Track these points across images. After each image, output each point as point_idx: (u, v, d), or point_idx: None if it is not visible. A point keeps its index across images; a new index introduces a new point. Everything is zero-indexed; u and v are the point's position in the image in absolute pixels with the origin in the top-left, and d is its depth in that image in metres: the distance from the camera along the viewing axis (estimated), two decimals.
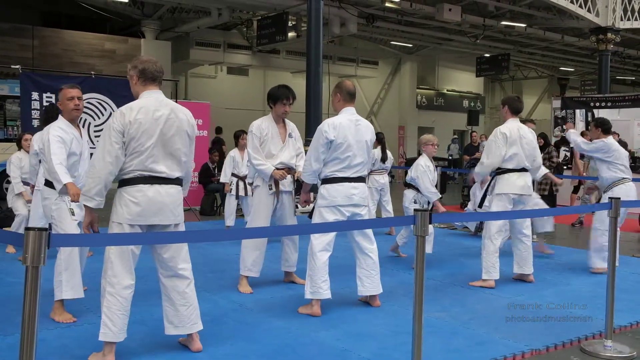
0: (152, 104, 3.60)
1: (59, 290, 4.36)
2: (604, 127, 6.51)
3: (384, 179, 8.82)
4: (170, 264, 3.69)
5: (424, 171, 6.51)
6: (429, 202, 6.62)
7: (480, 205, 5.97)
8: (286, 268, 5.72)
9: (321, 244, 4.70)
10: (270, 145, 5.35)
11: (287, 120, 5.53)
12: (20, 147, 7.29)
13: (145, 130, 3.53)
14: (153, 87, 3.68)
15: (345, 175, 4.72)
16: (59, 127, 4.43)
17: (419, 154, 6.95)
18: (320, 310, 4.68)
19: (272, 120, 5.43)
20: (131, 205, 3.53)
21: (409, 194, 6.76)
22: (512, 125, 5.79)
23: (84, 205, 3.56)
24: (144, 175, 3.55)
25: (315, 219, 4.79)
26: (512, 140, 5.72)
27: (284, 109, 5.36)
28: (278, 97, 5.34)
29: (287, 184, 5.44)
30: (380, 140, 8.63)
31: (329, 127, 4.67)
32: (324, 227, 4.46)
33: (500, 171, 5.82)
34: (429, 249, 6.63)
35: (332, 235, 4.79)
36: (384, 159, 8.76)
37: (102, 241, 3.19)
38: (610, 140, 6.47)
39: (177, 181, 3.71)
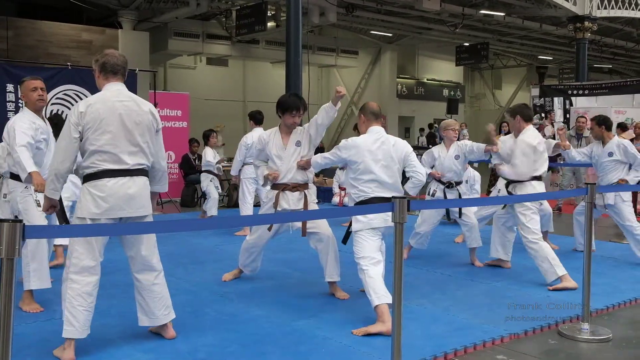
0: (111, 96, 3.58)
1: (27, 281, 4.36)
2: (607, 125, 6.63)
3: None
4: (138, 257, 3.68)
5: (425, 156, 6.36)
6: (444, 193, 6.22)
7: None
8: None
9: (370, 256, 4.30)
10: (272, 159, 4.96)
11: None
12: None
13: (104, 120, 3.49)
14: (115, 80, 3.67)
15: (376, 195, 4.41)
16: (24, 117, 4.43)
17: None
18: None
19: (278, 132, 4.96)
20: (98, 200, 3.48)
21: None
22: (536, 134, 5.57)
23: (44, 196, 3.56)
24: (107, 168, 3.50)
25: (358, 243, 4.37)
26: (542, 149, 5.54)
27: (292, 120, 4.91)
28: (288, 106, 4.88)
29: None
30: None
31: (345, 144, 4.50)
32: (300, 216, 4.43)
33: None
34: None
35: (377, 245, 4.39)
36: None
37: (77, 232, 3.16)
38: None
39: (142, 172, 3.66)
